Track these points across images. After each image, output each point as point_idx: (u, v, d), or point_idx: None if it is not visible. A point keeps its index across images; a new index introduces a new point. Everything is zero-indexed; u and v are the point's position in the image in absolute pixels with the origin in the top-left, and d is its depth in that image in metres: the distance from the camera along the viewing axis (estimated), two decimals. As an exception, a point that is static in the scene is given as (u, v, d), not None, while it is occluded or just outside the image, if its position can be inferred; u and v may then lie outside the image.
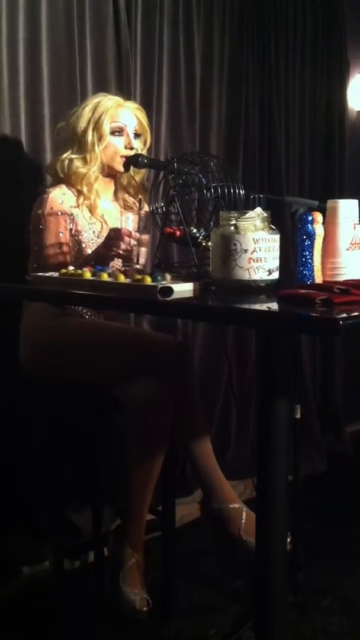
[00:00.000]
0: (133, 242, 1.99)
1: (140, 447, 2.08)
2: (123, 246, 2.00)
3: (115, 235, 2.02)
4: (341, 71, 3.88)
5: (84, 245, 2.24)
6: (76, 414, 2.24)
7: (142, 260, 2.00)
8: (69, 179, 2.26)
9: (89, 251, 2.22)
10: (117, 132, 2.27)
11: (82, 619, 2.27)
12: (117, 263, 2.23)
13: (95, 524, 2.42)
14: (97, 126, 2.24)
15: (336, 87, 3.87)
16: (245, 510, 2.15)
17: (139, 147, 2.31)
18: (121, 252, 2.01)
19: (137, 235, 1.99)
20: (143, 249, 2.00)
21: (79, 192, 2.27)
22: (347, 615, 2.32)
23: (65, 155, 2.26)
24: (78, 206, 2.26)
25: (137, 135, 2.31)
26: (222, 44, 3.24)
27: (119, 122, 2.27)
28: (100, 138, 2.24)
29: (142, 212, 2.10)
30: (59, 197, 2.23)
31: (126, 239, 1.99)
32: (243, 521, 2.13)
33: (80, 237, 2.24)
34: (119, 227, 2.05)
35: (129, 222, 2.04)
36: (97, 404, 2.18)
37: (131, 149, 2.27)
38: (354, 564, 2.63)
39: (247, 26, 3.33)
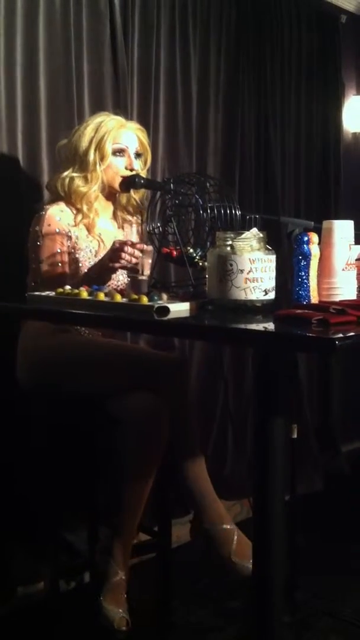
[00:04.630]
0: (138, 252, 1.99)
1: (133, 463, 2.08)
2: (128, 257, 2.00)
3: (120, 247, 2.02)
4: (336, 93, 3.92)
5: (80, 264, 2.25)
6: (73, 433, 2.24)
7: (146, 271, 2.01)
8: (69, 197, 2.27)
9: (86, 270, 2.23)
10: (119, 152, 2.29)
11: (77, 639, 2.25)
12: (120, 277, 2.24)
13: (92, 544, 2.41)
14: (100, 146, 2.25)
15: (331, 108, 3.91)
16: (237, 532, 2.14)
17: (140, 167, 2.33)
18: (126, 263, 2.02)
19: (143, 246, 2.00)
20: (147, 260, 2.01)
21: (78, 211, 2.28)
22: (344, 636, 2.30)
23: (66, 173, 2.27)
24: (76, 224, 2.27)
25: (138, 155, 2.33)
26: (218, 65, 3.27)
27: (120, 143, 2.28)
28: (102, 158, 2.26)
29: (137, 223, 2.11)
30: (57, 214, 2.24)
31: (131, 249, 2.00)
32: (234, 543, 2.12)
33: (77, 256, 2.25)
34: (124, 239, 2.06)
35: (133, 234, 2.04)
36: (95, 423, 2.18)
37: (132, 170, 2.29)
38: (352, 583, 2.62)
39: (243, 48, 3.37)
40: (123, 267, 2.05)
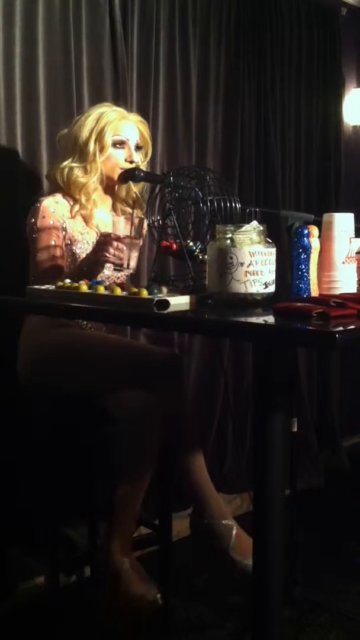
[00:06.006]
0: (122, 245, 1.99)
1: (128, 461, 2.07)
2: (112, 250, 2.00)
3: (104, 240, 2.03)
4: (337, 86, 3.91)
5: (77, 256, 2.24)
6: (73, 428, 2.23)
7: (132, 264, 2.01)
8: (68, 188, 2.27)
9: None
10: (119, 144, 2.28)
11: (78, 634, 2.25)
12: (115, 274, 2.24)
13: (91, 538, 2.41)
14: (99, 137, 2.24)
15: (332, 102, 3.90)
16: (236, 528, 2.12)
17: (140, 159, 2.32)
18: (110, 256, 2.02)
19: (128, 239, 2.00)
20: (134, 253, 2.01)
21: (76, 201, 2.27)
22: (344, 632, 2.30)
23: (65, 163, 2.27)
24: (72, 216, 2.26)
25: (138, 148, 2.32)
26: (218, 58, 3.26)
27: (121, 135, 2.27)
28: (101, 149, 2.25)
29: (135, 216, 2.10)
30: (51, 205, 2.23)
31: (115, 243, 2.00)
32: (233, 539, 2.11)
33: (73, 248, 2.24)
34: (109, 232, 2.06)
35: (120, 226, 2.05)
36: (94, 418, 2.18)
37: (131, 162, 2.28)
38: (352, 579, 2.62)
39: (243, 41, 3.35)
40: (107, 260, 2.05)
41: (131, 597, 1.99)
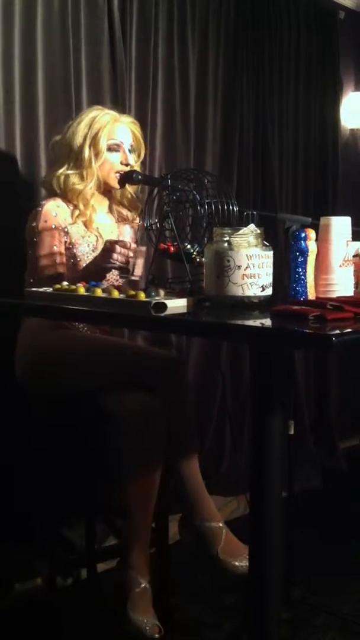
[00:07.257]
0: (129, 253, 2.00)
1: (130, 462, 2.07)
2: (119, 257, 2.01)
3: (111, 247, 2.03)
4: (334, 90, 3.92)
5: (78, 259, 2.24)
6: (72, 428, 2.23)
7: (137, 271, 2.02)
8: (65, 195, 2.27)
9: (84, 265, 2.23)
10: (114, 148, 2.28)
11: (75, 637, 2.25)
12: (114, 276, 2.24)
13: (89, 540, 2.41)
14: (94, 143, 2.24)
15: (329, 105, 3.91)
16: (226, 531, 2.13)
17: (134, 160, 2.33)
18: (117, 263, 2.02)
19: (134, 246, 2.00)
20: (140, 261, 2.01)
21: (75, 207, 2.27)
22: (341, 633, 2.31)
23: (61, 170, 2.26)
24: (73, 220, 2.26)
25: (132, 150, 2.32)
26: (217, 60, 3.27)
27: (115, 138, 2.28)
28: (97, 154, 2.25)
29: (139, 224, 2.10)
30: (53, 209, 2.23)
31: (121, 250, 2.00)
32: (222, 541, 2.11)
33: (74, 251, 2.24)
34: (115, 239, 2.06)
35: (126, 234, 2.05)
36: (93, 419, 2.18)
37: (127, 165, 2.28)
38: (349, 580, 2.62)
39: (242, 44, 3.36)
40: (114, 267, 2.05)
41: (132, 625, 2.00)
